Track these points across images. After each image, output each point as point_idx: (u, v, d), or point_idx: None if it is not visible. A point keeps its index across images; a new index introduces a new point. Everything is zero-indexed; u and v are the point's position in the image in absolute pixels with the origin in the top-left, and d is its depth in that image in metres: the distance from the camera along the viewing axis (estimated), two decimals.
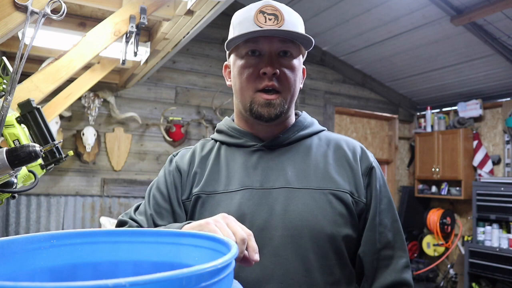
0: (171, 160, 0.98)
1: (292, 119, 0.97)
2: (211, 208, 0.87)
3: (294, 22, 0.87)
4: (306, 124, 0.97)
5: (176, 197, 0.92)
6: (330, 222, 0.83)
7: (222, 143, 0.97)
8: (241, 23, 0.87)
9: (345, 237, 0.84)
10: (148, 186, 0.99)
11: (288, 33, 0.85)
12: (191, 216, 0.90)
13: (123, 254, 0.57)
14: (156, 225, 0.90)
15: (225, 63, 0.99)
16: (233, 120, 1.01)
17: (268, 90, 0.87)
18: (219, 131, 1.00)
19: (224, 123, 1.00)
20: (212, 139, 1.00)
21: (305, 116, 1.00)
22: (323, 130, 0.99)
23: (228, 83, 0.97)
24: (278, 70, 0.85)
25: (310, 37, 0.86)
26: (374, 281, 0.87)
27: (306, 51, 0.94)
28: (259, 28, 0.84)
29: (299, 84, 0.92)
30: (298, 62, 0.91)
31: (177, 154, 1.00)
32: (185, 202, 0.92)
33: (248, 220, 0.83)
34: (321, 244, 0.82)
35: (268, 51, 0.86)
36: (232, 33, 0.90)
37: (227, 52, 0.96)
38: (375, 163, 0.94)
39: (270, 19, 0.85)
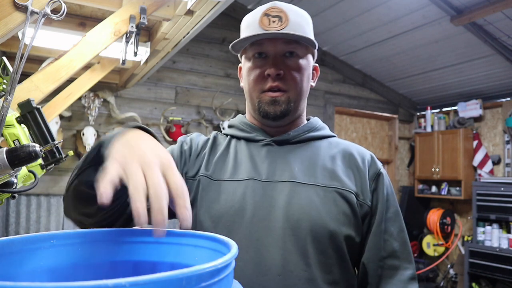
0: (186, 135, 1.01)
1: (303, 120, 0.99)
2: (214, 194, 0.88)
3: (299, 21, 0.89)
4: (317, 127, 0.98)
5: (181, 166, 0.93)
6: (333, 219, 0.83)
7: (232, 136, 0.99)
8: (248, 26, 0.91)
9: (347, 237, 0.84)
10: None
11: (289, 35, 0.86)
12: (194, 196, 0.91)
13: (123, 254, 0.57)
14: None
15: (239, 65, 1.01)
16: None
17: (274, 90, 0.89)
18: (230, 126, 1.02)
19: (237, 119, 1.03)
20: (224, 134, 1.03)
21: (317, 120, 1.02)
22: (334, 136, 1.00)
23: (241, 84, 1.00)
24: (282, 71, 0.88)
25: (311, 38, 0.88)
26: None
27: (315, 50, 0.95)
28: (263, 31, 0.86)
29: (307, 83, 0.93)
30: (306, 62, 0.92)
31: (192, 134, 1.03)
32: (189, 180, 0.92)
33: (250, 210, 0.84)
34: (321, 239, 0.82)
35: (273, 52, 0.88)
36: (240, 36, 0.93)
37: (239, 55, 0.98)
38: (383, 170, 0.94)
39: (274, 21, 0.87)
